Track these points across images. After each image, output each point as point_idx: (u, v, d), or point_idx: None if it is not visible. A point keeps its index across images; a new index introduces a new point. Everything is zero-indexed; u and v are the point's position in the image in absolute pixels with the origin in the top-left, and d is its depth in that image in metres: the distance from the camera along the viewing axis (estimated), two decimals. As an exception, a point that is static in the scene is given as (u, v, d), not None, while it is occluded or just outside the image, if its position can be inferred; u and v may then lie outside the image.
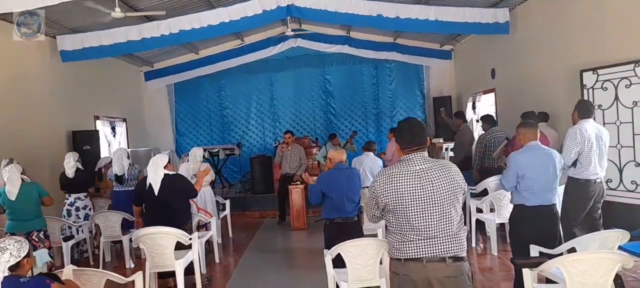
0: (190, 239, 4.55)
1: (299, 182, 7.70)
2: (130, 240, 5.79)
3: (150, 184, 4.53)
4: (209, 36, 7.90)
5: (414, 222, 2.30)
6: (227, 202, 7.41)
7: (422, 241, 2.29)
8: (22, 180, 4.80)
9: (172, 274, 4.54)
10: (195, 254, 4.67)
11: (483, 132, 6.64)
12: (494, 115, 8.76)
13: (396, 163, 2.45)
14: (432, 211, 2.29)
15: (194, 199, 5.38)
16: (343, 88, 11.67)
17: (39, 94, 7.26)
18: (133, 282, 3.62)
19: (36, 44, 7.28)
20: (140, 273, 3.65)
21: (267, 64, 11.27)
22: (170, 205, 4.56)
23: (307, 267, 5.51)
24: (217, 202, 6.97)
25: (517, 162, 3.70)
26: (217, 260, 5.96)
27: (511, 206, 5.23)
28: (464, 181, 2.42)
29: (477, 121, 9.42)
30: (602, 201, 4.51)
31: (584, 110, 4.47)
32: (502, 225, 5.72)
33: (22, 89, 6.86)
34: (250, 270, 5.59)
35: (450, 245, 2.30)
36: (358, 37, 10.46)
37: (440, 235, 2.29)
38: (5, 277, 2.35)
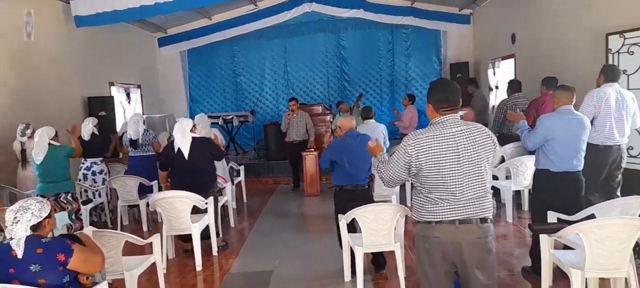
0: (206, 203, 4.60)
1: (312, 149, 7.69)
2: (147, 204, 5.90)
3: (179, 148, 4.57)
4: (223, 0, 7.78)
5: (449, 185, 2.27)
6: (242, 168, 7.46)
7: (456, 204, 2.28)
8: (51, 144, 4.87)
9: (190, 237, 4.62)
10: (211, 218, 4.73)
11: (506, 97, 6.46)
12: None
13: (429, 127, 2.39)
14: (466, 173, 2.27)
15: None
16: (358, 54, 11.46)
17: (55, 60, 7.28)
18: (151, 244, 3.71)
19: (49, 10, 7.26)
20: (157, 235, 3.73)
21: (280, 30, 11.08)
22: (200, 168, 4.65)
23: (320, 231, 5.55)
24: (231, 168, 7.02)
25: (546, 125, 3.61)
26: (232, 225, 6.05)
27: (529, 174, 5.24)
28: (496, 141, 2.38)
29: (492, 88, 9.23)
30: (621, 169, 4.40)
31: (610, 74, 4.34)
32: (517, 192, 5.66)
33: (37, 55, 6.87)
34: (265, 233, 5.66)
35: (479, 208, 2.29)
36: (374, 1, 10.19)
37: (472, 198, 2.28)
38: (27, 237, 2.39)
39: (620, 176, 4.43)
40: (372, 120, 6.59)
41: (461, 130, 2.31)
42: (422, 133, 2.34)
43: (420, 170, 2.32)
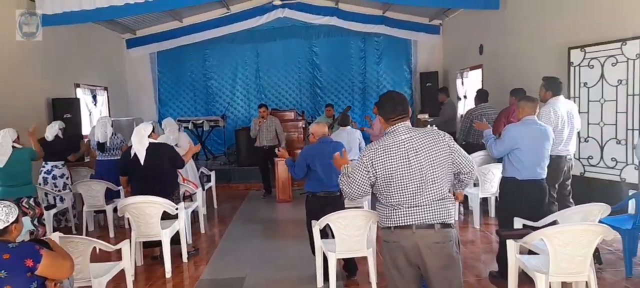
0: (177, 209, 4.52)
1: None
2: (114, 210, 5.75)
3: (135, 154, 4.47)
4: (194, 3, 7.68)
5: (403, 191, 2.34)
6: (213, 174, 7.37)
7: (411, 209, 2.34)
8: (14, 147, 4.72)
9: (158, 243, 4.53)
10: (182, 224, 4.66)
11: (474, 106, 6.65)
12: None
13: (383, 136, 2.47)
14: (418, 179, 2.33)
15: (179, 170, 5.34)
16: (330, 61, 11.53)
17: (17, 59, 7.01)
18: (118, 251, 3.62)
19: (14, 7, 6.99)
20: (127, 241, 3.65)
21: (253, 35, 11.06)
22: (158, 173, 4.52)
23: (292, 237, 5.54)
24: (202, 173, 6.93)
25: (511, 135, 3.75)
26: (202, 231, 5.96)
27: (496, 181, 5.40)
28: (455, 144, 2.44)
29: (461, 98, 9.48)
30: (570, 178, 4.68)
31: (557, 88, 4.59)
32: (484, 199, 5.83)
33: (-1, 53, 6.60)
34: (236, 240, 5.60)
35: (438, 212, 2.34)
36: (346, 8, 10.32)
37: (428, 203, 2.33)
38: (-8, 242, 2.29)
39: (570, 185, 4.71)
40: (349, 127, 6.72)
41: (411, 137, 2.38)
42: (377, 143, 2.44)
43: (377, 178, 2.40)
